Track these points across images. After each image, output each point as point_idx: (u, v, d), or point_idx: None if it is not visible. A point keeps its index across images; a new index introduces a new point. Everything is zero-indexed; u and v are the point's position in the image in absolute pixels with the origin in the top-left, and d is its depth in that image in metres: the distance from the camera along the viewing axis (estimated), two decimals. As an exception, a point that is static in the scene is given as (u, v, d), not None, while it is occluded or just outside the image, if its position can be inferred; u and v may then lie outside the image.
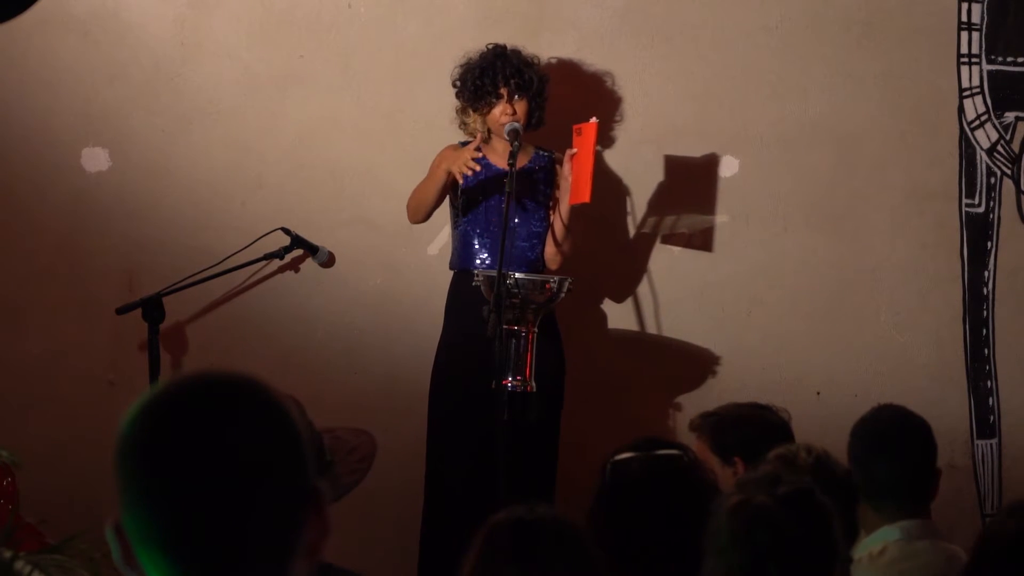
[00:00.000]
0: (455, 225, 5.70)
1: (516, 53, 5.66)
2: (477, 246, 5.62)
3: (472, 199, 5.64)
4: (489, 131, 5.67)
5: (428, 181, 5.60)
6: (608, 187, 6.11)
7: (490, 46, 5.67)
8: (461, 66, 5.69)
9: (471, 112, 5.67)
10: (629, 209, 6.14)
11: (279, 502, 1.71)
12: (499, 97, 5.59)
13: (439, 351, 5.66)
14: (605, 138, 6.12)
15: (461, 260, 5.66)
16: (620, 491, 3.32)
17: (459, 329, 5.56)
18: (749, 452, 4.00)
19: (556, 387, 5.62)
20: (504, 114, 5.58)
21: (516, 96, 5.60)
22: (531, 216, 5.69)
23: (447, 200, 5.69)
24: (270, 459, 1.71)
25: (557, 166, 5.72)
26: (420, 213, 5.66)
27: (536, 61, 5.72)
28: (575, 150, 5.51)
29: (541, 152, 5.78)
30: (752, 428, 4.18)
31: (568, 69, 6.07)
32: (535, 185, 5.72)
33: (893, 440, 3.96)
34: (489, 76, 5.60)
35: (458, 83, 5.68)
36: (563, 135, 5.98)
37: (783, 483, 2.77)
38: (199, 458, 1.69)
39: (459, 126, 5.76)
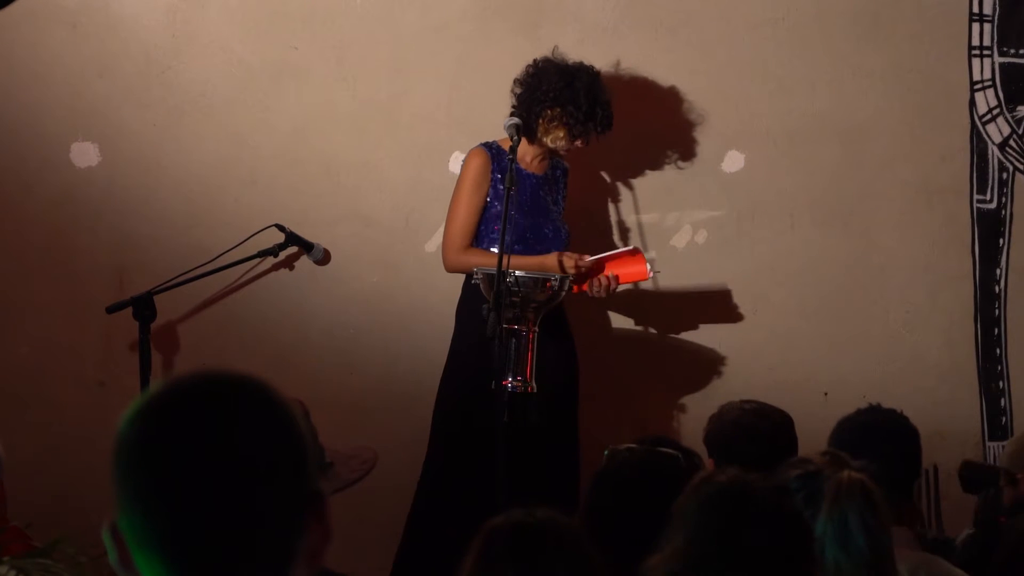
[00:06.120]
0: (483, 234, 5.58)
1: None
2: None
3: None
4: (541, 141, 5.55)
5: (526, 263, 5.37)
6: (611, 183, 6.12)
7: (595, 71, 5.58)
8: (564, 72, 5.51)
9: (562, 127, 5.48)
10: (632, 205, 6.12)
11: (280, 506, 1.70)
12: (593, 134, 5.53)
13: (453, 355, 5.60)
14: (608, 134, 6.06)
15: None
16: (611, 477, 3.48)
17: (475, 333, 5.47)
18: (722, 453, 4.12)
19: (571, 387, 5.61)
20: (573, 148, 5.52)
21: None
22: (557, 220, 5.67)
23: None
24: (272, 462, 1.70)
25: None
26: (466, 271, 5.54)
27: None
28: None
29: (559, 161, 5.74)
30: (730, 429, 4.25)
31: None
32: (557, 191, 5.72)
33: (874, 442, 4.00)
34: (605, 111, 5.51)
35: (564, 92, 5.48)
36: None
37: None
38: (199, 459, 1.68)
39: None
